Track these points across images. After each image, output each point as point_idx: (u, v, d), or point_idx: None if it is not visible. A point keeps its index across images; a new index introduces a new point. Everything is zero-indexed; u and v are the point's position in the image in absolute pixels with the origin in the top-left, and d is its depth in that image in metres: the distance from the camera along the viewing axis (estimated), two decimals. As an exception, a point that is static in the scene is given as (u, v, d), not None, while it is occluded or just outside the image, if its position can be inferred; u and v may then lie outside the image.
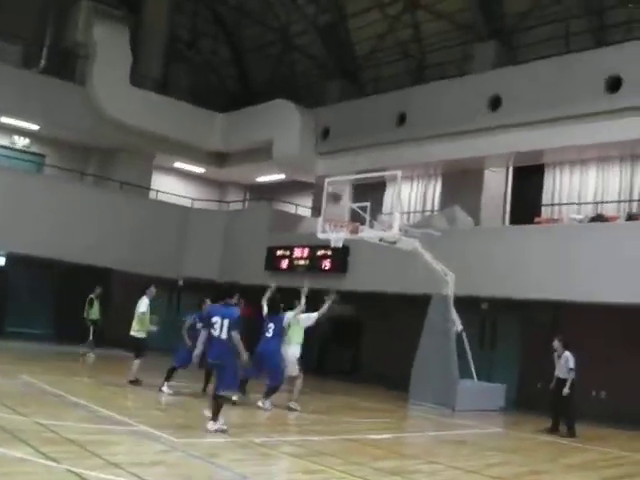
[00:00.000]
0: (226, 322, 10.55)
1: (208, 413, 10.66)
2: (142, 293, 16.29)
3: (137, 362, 15.61)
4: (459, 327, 18.11)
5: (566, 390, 15.02)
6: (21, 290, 27.67)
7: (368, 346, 24.67)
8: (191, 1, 33.63)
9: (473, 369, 18.63)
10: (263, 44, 33.69)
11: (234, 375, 10.72)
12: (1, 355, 19.43)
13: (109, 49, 28.54)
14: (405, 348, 19.54)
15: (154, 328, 16.17)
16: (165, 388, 14.81)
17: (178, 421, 11.27)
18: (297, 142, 27.45)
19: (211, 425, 10.37)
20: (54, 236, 25.14)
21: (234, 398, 12.88)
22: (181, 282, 27.85)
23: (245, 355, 10.53)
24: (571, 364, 15.16)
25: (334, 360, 26.24)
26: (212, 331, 10.62)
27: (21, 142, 29.09)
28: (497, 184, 24.15)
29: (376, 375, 22.44)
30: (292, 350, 14.30)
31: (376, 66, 30.06)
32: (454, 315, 18.05)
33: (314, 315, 14.36)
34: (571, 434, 14.99)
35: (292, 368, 14.27)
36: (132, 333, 15.89)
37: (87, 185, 28.75)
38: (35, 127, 28.26)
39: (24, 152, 29.07)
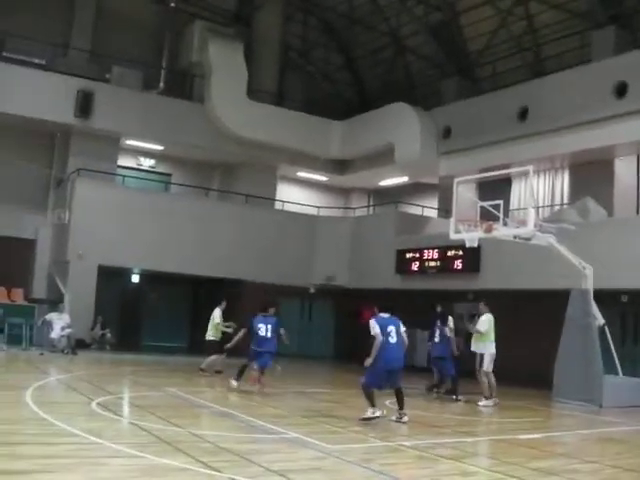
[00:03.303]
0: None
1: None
2: (216, 304, 19.57)
3: (214, 357, 18.64)
4: (601, 321, 17.56)
5: None
6: (155, 305, 28.51)
7: (503, 344, 24.20)
8: (301, 11, 33.97)
9: (618, 364, 18.05)
10: (375, 49, 33.72)
11: None
12: (142, 369, 19.98)
13: (225, 66, 29.19)
14: (542, 345, 19.17)
15: (230, 330, 18.92)
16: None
17: (327, 428, 11.30)
18: (418, 144, 27.39)
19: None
20: (185, 252, 25.91)
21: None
22: (312, 290, 28.13)
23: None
24: None
25: (469, 360, 25.93)
26: (390, 339, 11.71)
27: (147, 162, 29.99)
28: (629, 173, 23.41)
29: (514, 373, 22.04)
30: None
31: (492, 62, 29.66)
32: (595, 309, 17.54)
33: None
34: None
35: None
36: (208, 337, 19.17)
37: (213, 200, 29.45)
38: (159, 147, 29.11)
39: (151, 172, 29.96)
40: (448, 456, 9.46)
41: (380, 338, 11.52)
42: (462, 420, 13.39)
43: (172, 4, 30.05)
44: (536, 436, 11.91)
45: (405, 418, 11.74)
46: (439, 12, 29.91)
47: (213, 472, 7.57)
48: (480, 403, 15.61)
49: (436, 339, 17.11)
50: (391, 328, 11.71)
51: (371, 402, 11.64)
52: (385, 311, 11.99)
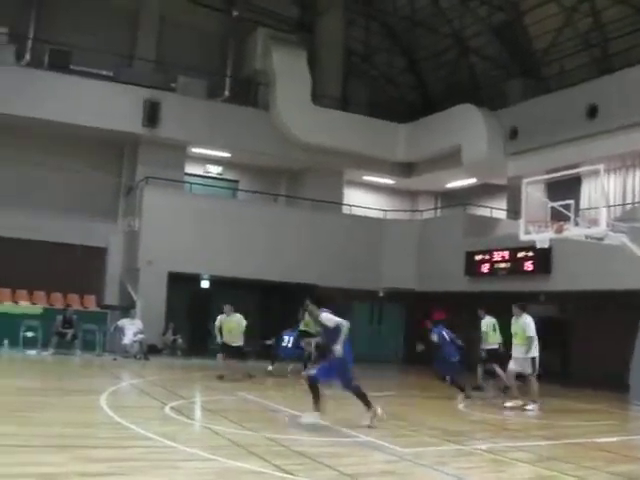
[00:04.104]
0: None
1: None
2: (221, 312, 18.99)
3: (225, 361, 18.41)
4: (678, 322, 17.16)
5: None
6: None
7: (578, 346, 23.84)
8: (363, 16, 33.92)
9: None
10: (438, 51, 33.49)
11: None
12: (213, 373, 20.06)
13: (289, 73, 29.38)
14: (618, 346, 18.77)
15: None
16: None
17: (399, 431, 11.24)
18: (485, 145, 27.16)
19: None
20: (254, 257, 26.15)
21: None
22: (381, 293, 28.10)
23: None
24: None
25: (542, 362, 25.56)
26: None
27: (214, 170, 30.30)
28: None
29: (587, 376, 21.65)
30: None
31: (558, 60, 29.20)
32: (672, 310, 17.14)
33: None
34: None
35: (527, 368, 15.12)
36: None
37: (281, 206, 29.66)
38: (226, 155, 29.39)
39: (218, 179, 30.27)
40: (524, 460, 9.32)
41: (346, 324, 10.86)
42: (536, 423, 13.21)
43: (235, 13, 30.33)
44: (613, 440, 11.65)
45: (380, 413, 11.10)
46: (502, 12, 29.62)
47: (286, 475, 7.59)
48: (529, 407, 14.85)
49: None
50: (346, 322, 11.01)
51: (316, 401, 11.07)
52: (322, 305, 11.28)
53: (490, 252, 24.63)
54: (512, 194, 25.96)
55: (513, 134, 27.19)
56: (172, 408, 11.92)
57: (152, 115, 26.92)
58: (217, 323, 18.81)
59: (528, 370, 15.09)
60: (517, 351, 15.23)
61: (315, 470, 7.96)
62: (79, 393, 13.60)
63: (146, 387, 15.74)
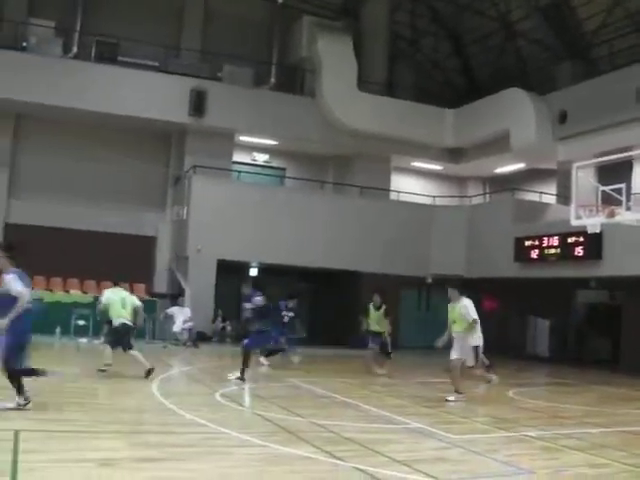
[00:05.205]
0: None
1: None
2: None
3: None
4: None
5: None
6: (273, 297, 28.69)
7: (629, 333, 23.52)
8: (409, 0, 33.64)
9: None
10: (485, 35, 33.07)
11: None
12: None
13: (334, 60, 29.30)
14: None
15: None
16: None
17: (450, 418, 11.22)
18: (534, 130, 26.82)
19: None
20: (301, 245, 26.21)
21: None
22: (430, 279, 27.99)
23: None
24: None
25: (592, 349, 25.33)
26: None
27: (261, 157, 30.38)
28: None
29: (638, 363, 21.36)
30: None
31: (607, 42, 28.62)
32: None
33: None
34: None
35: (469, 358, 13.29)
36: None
37: (329, 193, 29.66)
38: (273, 142, 29.43)
39: (265, 167, 30.36)
40: (575, 447, 9.25)
41: (27, 297, 9.05)
42: (586, 410, 13.08)
43: (280, 1, 30.31)
44: (664, 427, 11.52)
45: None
46: (550, -7, 29.21)
47: (337, 461, 7.64)
48: (451, 398, 13.10)
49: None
50: (29, 290, 9.27)
51: (18, 389, 9.23)
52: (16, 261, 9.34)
53: (540, 238, 24.36)
54: (562, 178, 25.67)
55: (562, 118, 26.80)
56: (222, 395, 12.04)
57: (198, 104, 27.05)
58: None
59: (470, 362, 13.31)
60: (458, 340, 13.39)
61: (366, 456, 7.99)
62: (131, 380, 13.74)
63: (196, 374, 15.94)
